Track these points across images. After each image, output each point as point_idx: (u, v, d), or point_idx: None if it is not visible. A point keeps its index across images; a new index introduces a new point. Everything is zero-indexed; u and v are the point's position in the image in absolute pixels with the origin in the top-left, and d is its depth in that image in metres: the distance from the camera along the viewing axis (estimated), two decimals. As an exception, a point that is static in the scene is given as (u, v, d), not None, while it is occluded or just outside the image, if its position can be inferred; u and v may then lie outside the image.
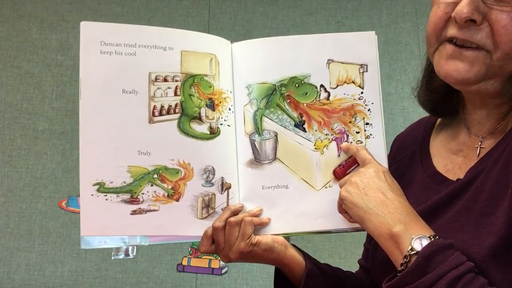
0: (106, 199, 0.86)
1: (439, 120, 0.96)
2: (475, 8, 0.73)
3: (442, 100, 0.91)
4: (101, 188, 0.86)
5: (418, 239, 0.71)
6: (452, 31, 0.77)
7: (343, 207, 0.82)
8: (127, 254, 2.40)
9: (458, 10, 0.74)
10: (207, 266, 2.43)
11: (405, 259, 0.70)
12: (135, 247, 2.34)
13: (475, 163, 0.81)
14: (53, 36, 2.64)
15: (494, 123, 0.83)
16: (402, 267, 0.71)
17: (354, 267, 1.07)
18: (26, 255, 2.37)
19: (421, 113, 0.99)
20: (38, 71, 2.58)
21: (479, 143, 0.83)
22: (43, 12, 2.66)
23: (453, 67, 0.76)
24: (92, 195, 0.85)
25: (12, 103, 2.53)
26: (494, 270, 0.69)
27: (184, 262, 2.44)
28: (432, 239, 0.71)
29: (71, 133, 2.52)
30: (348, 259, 2.41)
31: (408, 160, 0.95)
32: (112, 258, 2.39)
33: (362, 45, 0.92)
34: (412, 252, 0.70)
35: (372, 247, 0.94)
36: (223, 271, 2.43)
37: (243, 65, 0.95)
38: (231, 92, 0.94)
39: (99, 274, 2.38)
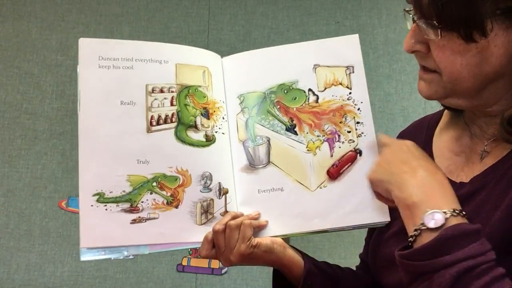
0: (106, 209, 0.86)
1: (442, 119, 0.97)
2: (417, 41, 0.79)
3: None
4: (101, 198, 0.86)
5: (431, 214, 0.70)
6: (416, 57, 0.83)
7: (373, 189, 0.86)
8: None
9: (404, 43, 0.81)
10: (207, 266, 2.44)
11: (415, 232, 0.71)
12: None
13: (481, 172, 0.82)
14: (53, 36, 2.63)
15: (496, 128, 0.82)
16: (411, 239, 0.71)
17: (354, 267, 1.07)
18: (26, 255, 2.38)
19: (421, 113, 1.00)
20: (38, 71, 2.58)
21: (484, 147, 0.84)
22: (43, 12, 2.66)
23: (420, 86, 0.84)
24: (91, 206, 0.86)
25: (12, 103, 2.53)
26: None
27: (184, 262, 2.44)
28: (448, 214, 0.69)
29: (71, 133, 2.52)
30: (347, 259, 2.41)
31: None
32: (112, 258, 2.39)
33: (347, 48, 0.95)
34: (423, 227, 0.70)
35: (374, 242, 0.95)
36: (223, 271, 2.44)
37: (233, 77, 0.98)
38: (223, 102, 0.97)
39: (99, 274, 2.39)
